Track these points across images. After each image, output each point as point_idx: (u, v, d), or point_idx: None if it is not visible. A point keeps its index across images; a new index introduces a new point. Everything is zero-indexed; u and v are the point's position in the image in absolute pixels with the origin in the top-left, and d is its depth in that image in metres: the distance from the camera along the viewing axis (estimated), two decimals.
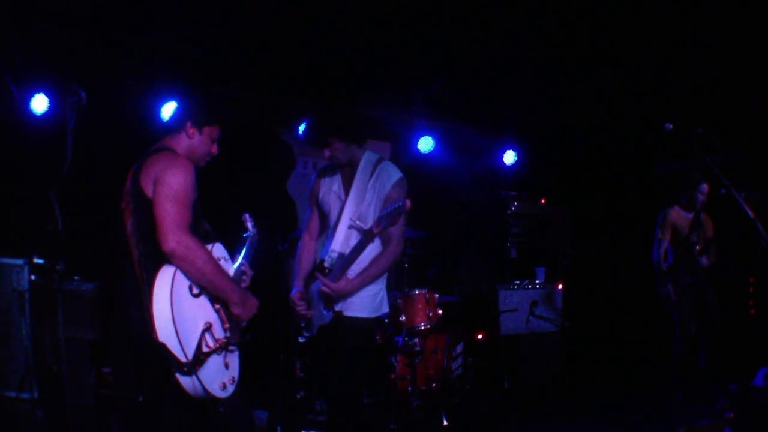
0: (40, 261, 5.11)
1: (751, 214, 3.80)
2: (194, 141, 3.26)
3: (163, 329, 2.78)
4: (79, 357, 5.43)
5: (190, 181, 3.03)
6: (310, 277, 3.96)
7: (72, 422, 3.95)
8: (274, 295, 5.36)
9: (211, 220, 3.38)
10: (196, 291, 2.99)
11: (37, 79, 5.82)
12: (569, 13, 5.65)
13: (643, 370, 7.61)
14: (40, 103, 5.83)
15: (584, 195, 8.81)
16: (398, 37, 6.12)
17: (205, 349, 2.90)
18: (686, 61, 6.43)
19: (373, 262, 3.79)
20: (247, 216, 3.84)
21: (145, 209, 2.95)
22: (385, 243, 3.83)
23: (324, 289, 3.73)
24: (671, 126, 3.96)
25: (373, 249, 3.80)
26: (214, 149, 3.36)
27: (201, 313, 2.99)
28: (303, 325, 3.99)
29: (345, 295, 3.76)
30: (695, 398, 6.13)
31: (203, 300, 3.03)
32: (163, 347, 2.77)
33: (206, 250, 2.99)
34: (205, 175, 3.46)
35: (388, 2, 5.54)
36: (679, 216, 6.44)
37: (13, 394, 5.06)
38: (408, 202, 3.52)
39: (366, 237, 3.65)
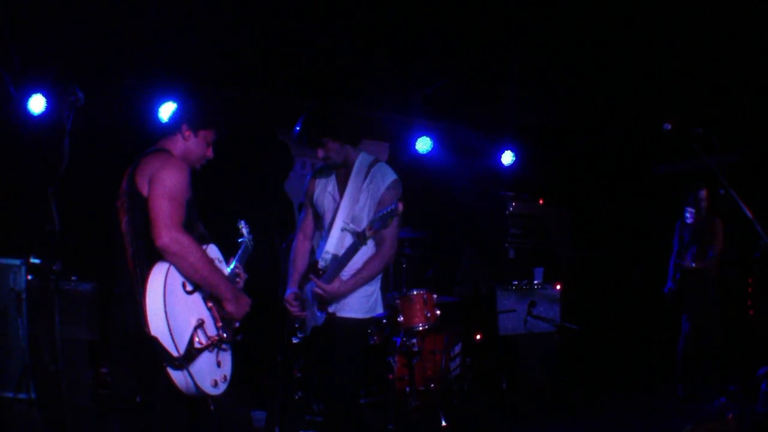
0: (37, 261, 5.13)
1: (749, 214, 3.80)
2: (190, 144, 3.30)
3: (155, 323, 2.81)
4: (77, 357, 5.42)
5: (185, 180, 3.06)
6: (305, 278, 3.95)
7: (70, 423, 3.95)
8: (272, 295, 5.35)
9: (207, 221, 3.39)
10: (189, 288, 3.02)
11: (35, 79, 5.81)
12: (567, 14, 5.65)
13: (641, 370, 7.60)
14: (37, 104, 5.82)
15: (582, 195, 8.81)
16: (397, 37, 6.12)
17: (197, 345, 2.92)
18: (685, 61, 6.43)
19: (367, 264, 3.78)
20: (242, 222, 3.88)
21: (140, 207, 2.98)
22: (378, 245, 3.82)
23: (317, 290, 3.72)
24: (670, 126, 3.95)
25: (366, 251, 3.78)
26: (210, 153, 3.40)
27: (194, 309, 3.02)
28: (297, 326, 3.99)
29: (338, 296, 3.75)
30: (694, 397, 6.13)
31: (196, 297, 3.05)
32: (155, 341, 2.80)
33: (199, 246, 3.02)
34: (203, 175, 3.46)
35: (387, 3, 5.53)
36: (684, 224, 6.63)
37: (10, 395, 5.05)
38: (400, 205, 3.51)
39: (359, 239, 3.64)
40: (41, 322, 5.10)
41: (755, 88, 6.79)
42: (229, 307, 3.12)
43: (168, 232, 2.88)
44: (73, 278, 5.57)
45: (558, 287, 7.17)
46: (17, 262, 5.18)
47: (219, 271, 3.14)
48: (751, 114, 7.18)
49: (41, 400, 5.01)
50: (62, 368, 3.88)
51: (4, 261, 5.20)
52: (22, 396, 5.03)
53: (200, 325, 2.98)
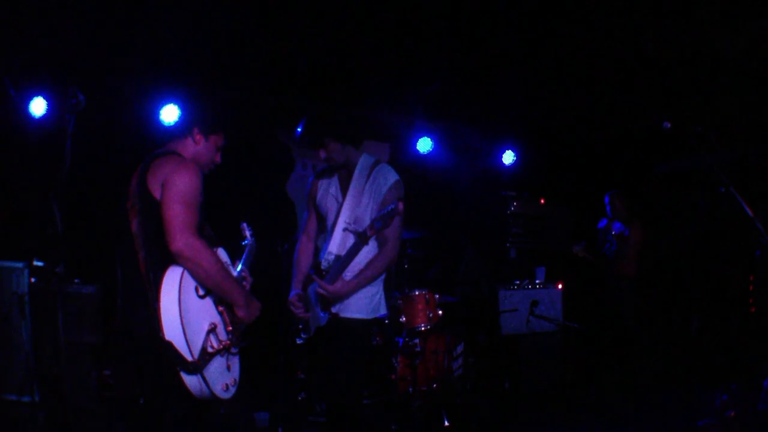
0: (40, 263, 5.14)
1: (750, 212, 3.80)
2: (200, 147, 3.28)
3: (170, 328, 2.81)
4: (80, 360, 5.42)
5: (198, 184, 3.05)
6: (308, 279, 3.96)
7: (73, 425, 3.96)
8: (275, 296, 5.36)
9: (210, 224, 3.39)
10: (201, 292, 3.02)
11: (36, 82, 5.82)
12: (567, 12, 5.65)
13: (644, 369, 7.59)
14: (38, 107, 5.82)
15: (583, 194, 8.80)
16: (397, 38, 6.11)
17: (209, 350, 2.93)
18: (685, 59, 6.43)
19: (369, 264, 3.79)
20: (244, 225, 3.88)
21: (152, 210, 2.97)
22: (381, 245, 3.83)
23: (320, 291, 3.73)
24: (669, 124, 3.96)
25: (369, 251, 3.80)
26: (218, 158, 3.38)
27: (206, 314, 3.02)
28: (300, 327, 4.00)
29: (341, 297, 3.76)
30: (695, 397, 6.13)
31: (208, 301, 3.06)
32: (169, 346, 2.79)
33: (213, 251, 3.02)
34: (204, 177, 3.47)
35: (387, 4, 5.54)
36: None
37: (13, 398, 5.06)
38: (401, 205, 3.52)
39: (360, 239, 3.65)
40: (44, 324, 5.11)
41: (755, 85, 6.78)
42: (241, 313, 3.12)
43: (183, 237, 2.87)
44: (76, 281, 5.57)
45: (560, 286, 7.17)
46: (20, 264, 5.19)
47: (232, 277, 3.15)
48: (751, 111, 7.18)
49: (44, 402, 5.02)
50: (65, 370, 3.89)
51: (7, 264, 5.22)
52: (25, 398, 5.05)
53: (213, 329, 2.99)
